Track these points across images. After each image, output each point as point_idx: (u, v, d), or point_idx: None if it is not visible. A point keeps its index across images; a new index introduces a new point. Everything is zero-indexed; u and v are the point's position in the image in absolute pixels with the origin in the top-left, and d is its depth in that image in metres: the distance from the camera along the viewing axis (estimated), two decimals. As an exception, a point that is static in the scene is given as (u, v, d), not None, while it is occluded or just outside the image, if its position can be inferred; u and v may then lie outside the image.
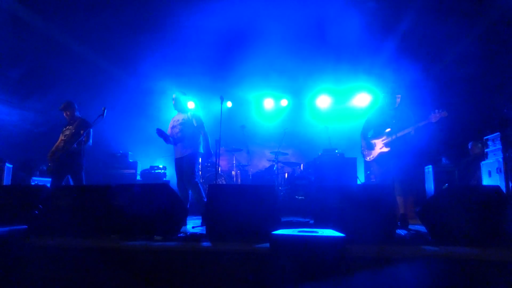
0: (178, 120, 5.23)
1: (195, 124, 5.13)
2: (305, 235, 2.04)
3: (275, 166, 7.80)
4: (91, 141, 5.32)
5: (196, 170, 5.03)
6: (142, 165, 8.26)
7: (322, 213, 3.08)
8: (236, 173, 8.10)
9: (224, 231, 3.22)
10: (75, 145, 5.06)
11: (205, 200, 4.39)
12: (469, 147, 7.12)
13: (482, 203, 2.97)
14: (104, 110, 4.93)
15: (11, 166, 5.96)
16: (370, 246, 2.64)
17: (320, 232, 2.18)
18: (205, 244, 2.93)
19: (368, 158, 4.97)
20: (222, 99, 4.88)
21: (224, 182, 7.62)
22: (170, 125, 5.32)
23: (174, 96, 5.35)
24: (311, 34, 7.65)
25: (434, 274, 2.32)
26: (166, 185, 3.49)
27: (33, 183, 6.50)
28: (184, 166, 4.99)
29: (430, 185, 7.33)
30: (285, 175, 8.04)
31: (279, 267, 2.05)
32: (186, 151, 5.00)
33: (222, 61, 8.10)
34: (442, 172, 7.22)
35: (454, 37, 7.45)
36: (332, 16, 7.49)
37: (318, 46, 7.93)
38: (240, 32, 7.72)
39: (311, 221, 3.68)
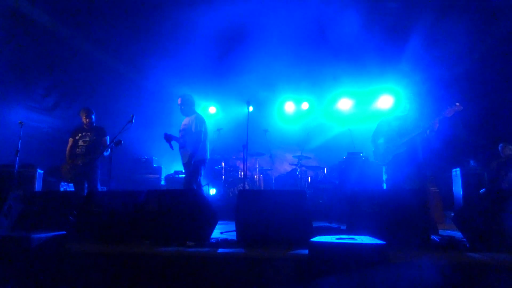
0: (183, 124, 5.32)
1: (193, 130, 5.16)
2: (346, 243, 2.02)
3: (298, 170, 7.75)
4: (109, 151, 5.31)
5: (195, 178, 5.02)
6: (166, 170, 8.36)
7: (355, 219, 3.04)
8: (259, 177, 8.10)
9: (255, 237, 3.21)
10: (105, 153, 5.19)
11: None
12: (500, 149, 6.90)
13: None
14: (132, 117, 5.03)
15: (42, 172, 6.14)
16: (410, 252, 2.59)
17: (359, 239, 2.15)
18: (238, 250, 2.93)
19: (382, 162, 4.92)
20: (249, 104, 4.88)
21: (247, 187, 7.63)
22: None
23: (179, 101, 5.39)
24: (331, 37, 7.61)
25: (478, 281, 2.25)
26: (196, 191, 3.53)
27: (61, 189, 6.67)
28: (185, 172, 5.06)
29: (458, 188, 7.12)
30: (308, 179, 7.98)
31: (318, 275, 2.03)
32: (185, 158, 5.05)
33: (244, 66, 8.13)
34: (471, 175, 7.00)
35: (482, 32, 7.26)
36: (351, 18, 7.44)
37: (338, 49, 7.87)
38: (262, 37, 7.74)
39: (342, 227, 3.64)
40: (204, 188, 7.44)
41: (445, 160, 7.41)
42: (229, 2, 7.04)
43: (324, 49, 7.94)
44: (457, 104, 4.25)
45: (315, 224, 4.57)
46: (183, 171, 8.04)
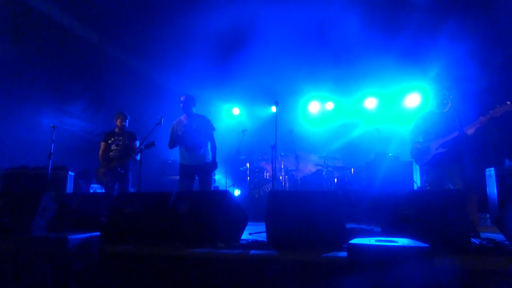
0: (190, 125, 5.27)
1: (210, 131, 5.32)
2: (387, 245, 1.93)
3: (324, 170, 7.64)
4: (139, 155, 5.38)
5: (211, 178, 5.27)
6: (192, 171, 8.41)
7: (391, 221, 2.93)
8: (284, 178, 8.04)
9: (286, 239, 3.15)
10: (136, 157, 5.28)
11: None
12: (538, 148, 6.57)
13: None
14: (161, 119, 5.10)
15: (73, 174, 6.28)
16: (450, 256, 2.47)
17: (399, 241, 2.06)
18: (270, 252, 2.88)
19: (422, 162, 4.70)
20: (277, 104, 4.83)
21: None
22: None
23: (188, 99, 5.27)
24: (356, 36, 7.45)
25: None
26: (227, 192, 3.50)
27: (91, 191, 6.81)
28: (200, 174, 5.15)
29: (492, 189, 6.81)
30: (334, 180, 7.85)
31: (359, 278, 1.95)
32: (198, 159, 5.17)
33: (268, 66, 8.10)
34: (507, 175, 6.68)
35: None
36: (375, 17, 7.28)
37: (362, 48, 7.72)
38: (286, 37, 7.69)
39: (376, 229, 3.53)
40: (229, 189, 7.45)
41: (478, 160, 7.11)
42: (252, 3, 7.03)
43: (348, 48, 7.80)
44: (508, 102, 3.98)
45: (351, 226, 4.48)
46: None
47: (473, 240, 3.39)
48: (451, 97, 4.48)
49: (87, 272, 2.70)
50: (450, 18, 7.05)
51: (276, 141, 4.81)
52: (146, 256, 2.92)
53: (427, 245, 1.93)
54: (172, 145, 5.21)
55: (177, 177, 7.91)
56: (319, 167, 7.84)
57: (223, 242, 3.23)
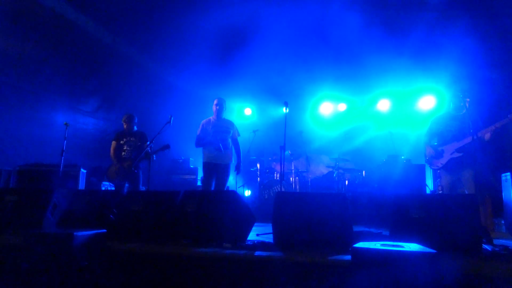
0: (220, 126, 5.49)
1: (237, 135, 5.64)
2: (392, 250, 1.89)
3: (335, 172, 7.57)
4: (154, 156, 5.60)
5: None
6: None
7: (400, 225, 2.87)
8: (294, 179, 7.99)
9: (292, 241, 3.13)
10: (144, 156, 5.39)
11: None
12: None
13: None
14: (171, 118, 5.15)
15: (85, 171, 6.37)
16: (460, 262, 2.41)
17: (406, 246, 2.01)
18: (275, 253, 2.86)
19: (436, 166, 4.60)
20: (287, 105, 4.82)
21: (283, 189, 7.54)
22: None
23: (222, 103, 5.55)
24: (368, 37, 7.36)
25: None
26: (234, 192, 3.49)
27: (103, 188, 6.89)
28: (219, 173, 5.40)
29: (508, 194, 6.63)
30: (345, 182, 7.77)
31: (361, 282, 1.91)
32: (223, 159, 5.40)
33: (280, 67, 8.07)
34: (523, 180, 6.50)
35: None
36: (388, 17, 7.18)
37: (378, 48, 7.61)
38: (298, 37, 7.65)
39: (384, 232, 3.47)
40: (239, 190, 7.45)
41: (494, 164, 6.94)
42: (263, 3, 7.01)
43: (361, 48, 7.71)
44: None
45: (354, 228, 4.42)
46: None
47: (485, 246, 3.30)
48: (468, 100, 4.38)
49: (93, 268, 2.72)
50: (466, 17, 6.90)
51: (285, 141, 4.78)
52: (152, 254, 2.93)
53: (434, 251, 1.88)
54: (199, 143, 5.33)
55: (187, 177, 8.02)
56: (331, 169, 7.78)
57: (229, 243, 3.22)
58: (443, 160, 4.40)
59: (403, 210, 2.91)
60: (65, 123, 5.53)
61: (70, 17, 6.49)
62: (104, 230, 3.03)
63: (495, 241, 3.76)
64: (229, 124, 5.48)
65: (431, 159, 4.61)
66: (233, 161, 5.45)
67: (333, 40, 7.56)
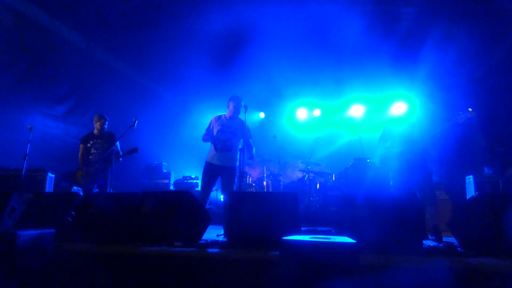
0: (229, 127, 5.11)
1: (248, 137, 5.17)
2: (315, 241, 1.98)
3: (306, 176, 7.69)
4: (121, 159, 5.58)
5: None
6: (176, 175, 8.45)
7: (342, 222, 2.98)
8: (267, 183, 8.07)
9: (244, 239, 3.20)
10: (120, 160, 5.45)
11: None
12: (516, 156, 6.62)
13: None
14: (135, 121, 5.14)
15: (53, 176, 6.33)
16: (400, 257, 2.55)
17: (332, 238, 2.10)
18: (221, 251, 2.93)
19: (387, 166, 4.78)
20: (246, 108, 4.88)
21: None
22: None
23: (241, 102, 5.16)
24: (344, 43, 7.53)
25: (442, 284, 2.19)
26: (187, 193, 3.55)
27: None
28: (224, 175, 5.02)
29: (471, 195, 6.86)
30: (317, 186, 7.90)
31: (287, 274, 1.99)
32: (228, 161, 5.03)
33: (255, 72, 8.16)
34: (485, 183, 6.73)
35: (498, 36, 7.03)
36: (363, 24, 7.36)
37: (351, 55, 7.78)
38: (273, 43, 7.75)
39: (334, 230, 3.57)
40: (213, 194, 7.47)
41: (458, 168, 7.17)
42: (241, 8, 7.10)
43: (337, 55, 7.86)
44: (470, 109, 4.06)
45: (313, 228, 4.52)
46: (193, 176, 8.20)
47: (427, 242, 3.44)
48: (419, 104, 4.58)
49: (39, 268, 2.74)
50: (433, 28, 7.15)
51: (244, 145, 4.89)
52: (101, 254, 2.97)
53: (354, 242, 1.98)
54: (205, 139, 5.06)
55: (161, 181, 8.01)
56: (304, 173, 7.90)
57: (184, 242, 3.28)
58: (395, 162, 4.55)
59: (345, 209, 3.02)
60: (29, 126, 5.50)
61: (38, 18, 6.47)
62: (53, 230, 3.04)
63: (449, 239, 3.89)
64: (240, 126, 5.05)
65: (383, 161, 4.77)
66: (237, 164, 4.99)
67: (311, 46, 7.68)
